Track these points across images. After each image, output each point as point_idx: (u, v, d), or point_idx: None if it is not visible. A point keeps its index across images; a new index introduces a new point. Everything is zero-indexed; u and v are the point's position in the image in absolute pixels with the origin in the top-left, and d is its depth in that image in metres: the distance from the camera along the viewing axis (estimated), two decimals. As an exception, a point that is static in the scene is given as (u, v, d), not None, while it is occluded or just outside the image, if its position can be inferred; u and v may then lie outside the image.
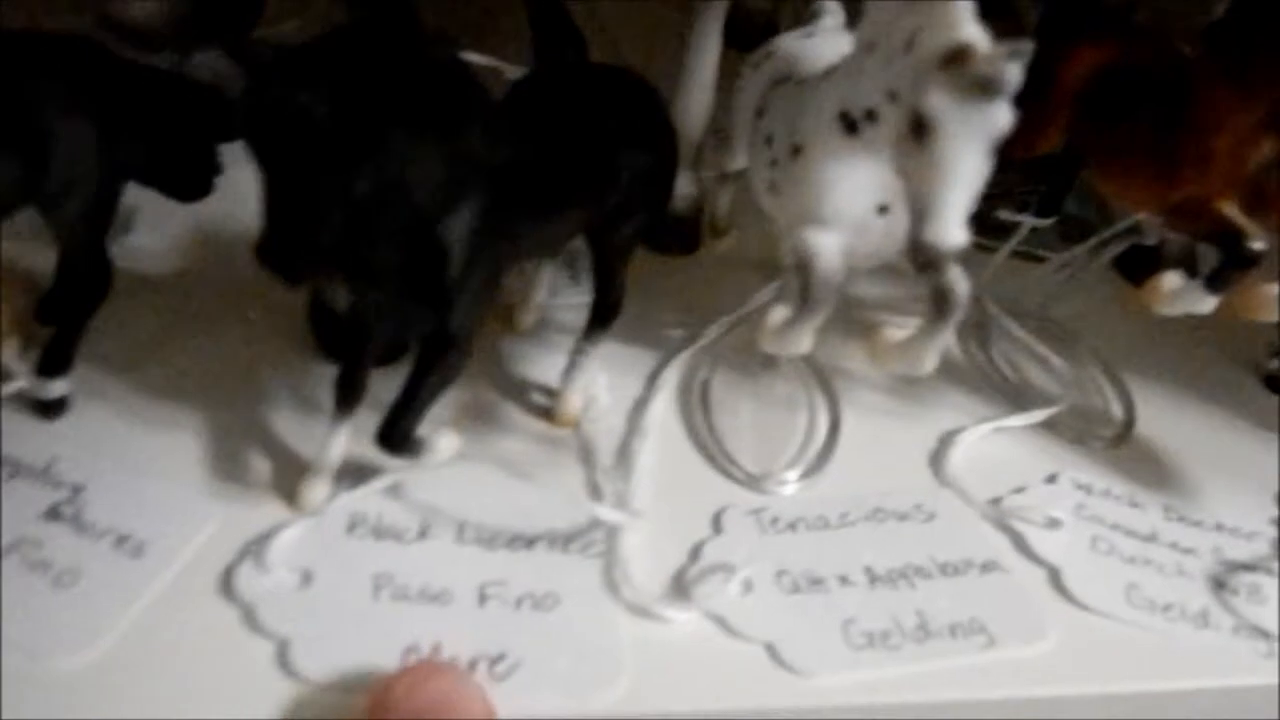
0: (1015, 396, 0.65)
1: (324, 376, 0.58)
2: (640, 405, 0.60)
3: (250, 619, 0.47)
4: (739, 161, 0.60)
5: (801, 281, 0.45)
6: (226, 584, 0.48)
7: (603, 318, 0.57)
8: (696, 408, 0.61)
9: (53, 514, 0.50)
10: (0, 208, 0.49)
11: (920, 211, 0.38)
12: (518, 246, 0.49)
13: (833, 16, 0.59)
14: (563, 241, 0.54)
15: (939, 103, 0.37)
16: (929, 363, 0.46)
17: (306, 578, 0.49)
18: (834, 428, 0.60)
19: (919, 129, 0.38)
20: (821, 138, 0.45)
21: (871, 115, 0.42)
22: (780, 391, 0.62)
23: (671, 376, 0.62)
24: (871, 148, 0.43)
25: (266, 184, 0.40)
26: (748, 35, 0.84)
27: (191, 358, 0.60)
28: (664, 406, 0.61)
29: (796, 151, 0.46)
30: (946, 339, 0.45)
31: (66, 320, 0.54)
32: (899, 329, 0.47)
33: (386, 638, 0.47)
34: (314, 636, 0.46)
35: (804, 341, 0.47)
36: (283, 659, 0.45)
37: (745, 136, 0.57)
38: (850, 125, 0.44)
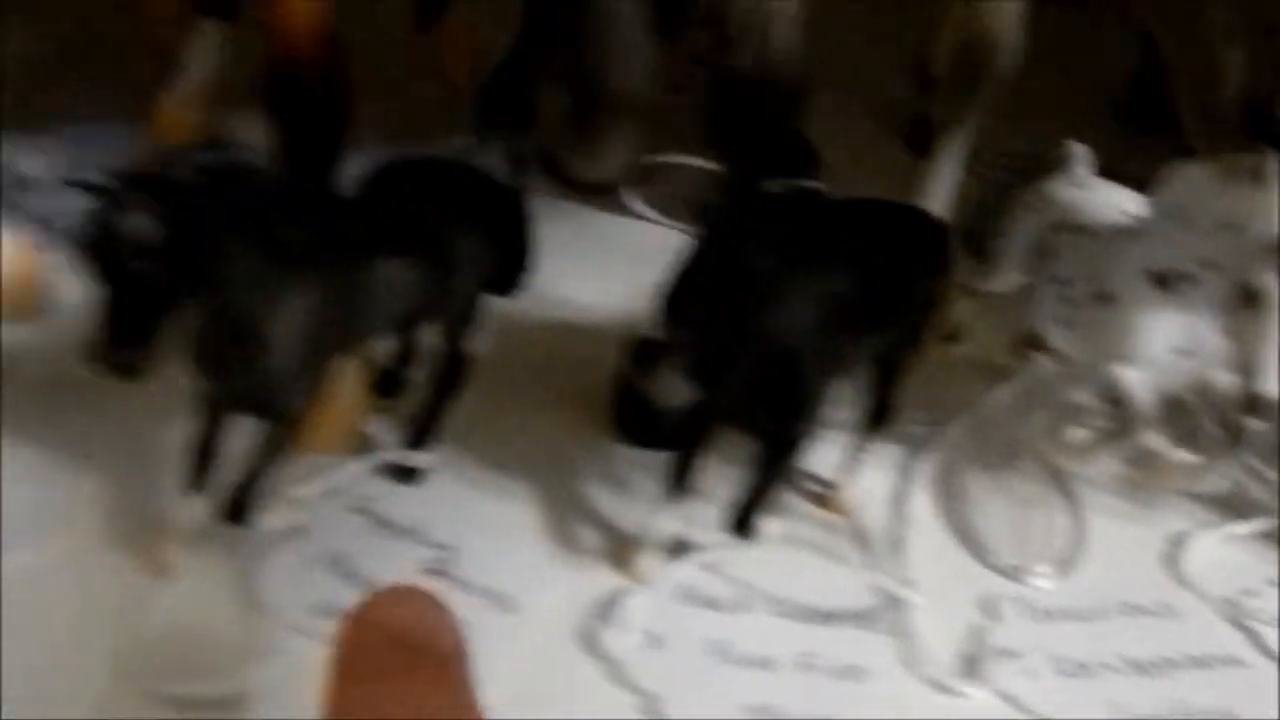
0: (1229, 503, 0.72)
1: (626, 458, 0.67)
2: (900, 496, 0.68)
3: (615, 675, 0.55)
4: (999, 285, 0.68)
5: (1116, 411, 0.52)
6: (588, 641, 0.56)
7: (881, 420, 0.65)
8: (950, 500, 0.68)
9: (432, 570, 0.58)
10: (414, 317, 0.58)
11: (1249, 367, 0.46)
12: (843, 365, 0.57)
13: (1083, 162, 0.66)
14: (864, 360, 0.62)
15: (1272, 280, 0.45)
16: (1211, 486, 0.53)
17: (653, 640, 0.57)
18: (1077, 525, 0.67)
19: (1250, 299, 0.46)
20: (1132, 291, 0.52)
21: (1186, 278, 0.50)
22: (1024, 490, 0.69)
23: (923, 470, 0.70)
24: (1183, 303, 0.51)
25: None
26: (926, 141, 0.91)
27: (512, 435, 0.68)
28: (923, 494, 0.68)
29: (1104, 299, 0.54)
30: (1233, 466, 0.52)
31: (434, 401, 0.63)
32: (1184, 454, 0.54)
33: (731, 697, 0.54)
34: (673, 693, 0.54)
35: (1105, 460, 0.54)
36: (651, 710, 0.53)
37: (1013, 266, 0.65)
38: (1161, 282, 0.51)
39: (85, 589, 0.56)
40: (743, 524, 0.57)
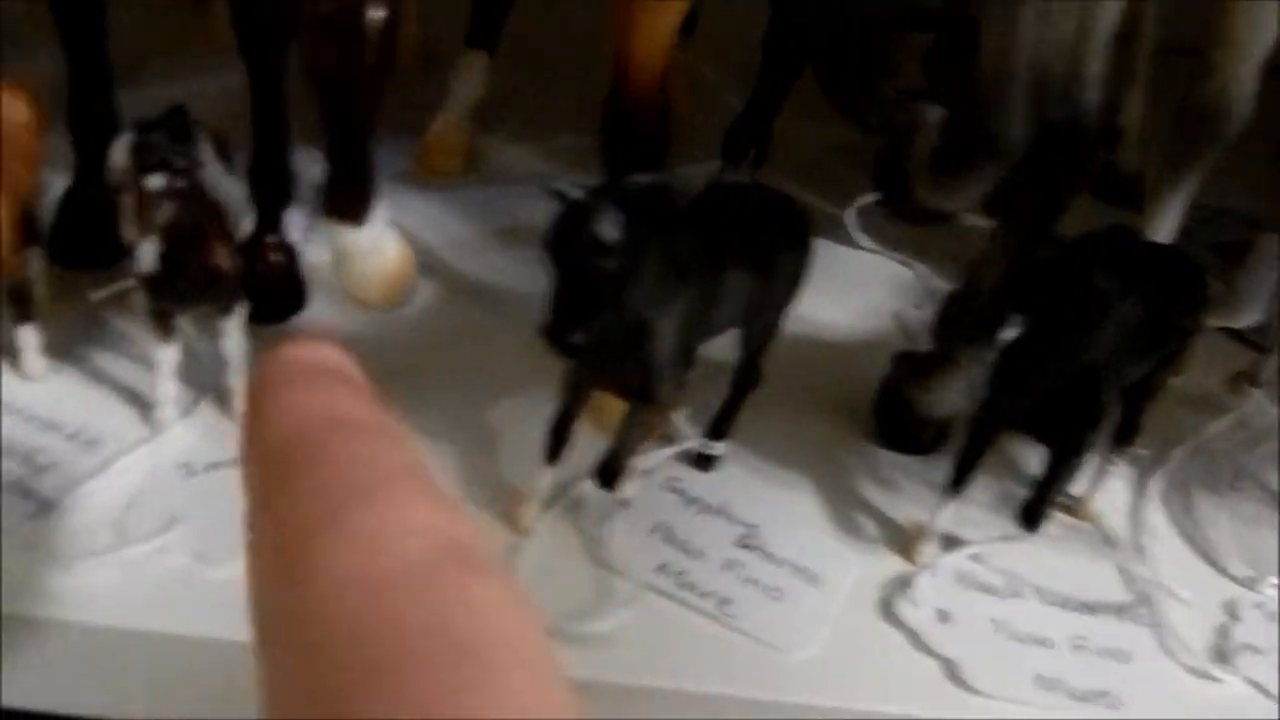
0: None
1: (886, 459, 0.75)
2: (1137, 510, 0.75)
3: (916, 642, 0.63)
4: (1241, 321, 0.75)
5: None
6: (887, 612, 0.64)
7: (1128, 440, 0.73)
8: (1181, 516, 0.75)
9: (743, 544, 0.67)
10: (738, 323, 0.66)
11: None
12: (1122, 386, 0.65)
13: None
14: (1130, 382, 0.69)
15: None
16: None
17: (942, 615, 0.65)
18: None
19: None
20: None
21: None
22: (1249, 510, 0.76)
23: (1155, 488, 0.77)
24: None
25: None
26: (1118, 190, 0.98)
27: (786, 435, 0.77)
28: (1156, 509, 0.76)
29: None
30: None
31: (731, 400, 0.72)
32: None
33: (1022, 668, 0.62)
34: (970, 661, 0.62)
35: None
36: (952, 674, 0.61)
37: (1255, 306, 0.73)
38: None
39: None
40: (1031, 520, 0.65)
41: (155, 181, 0.55)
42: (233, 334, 0.67)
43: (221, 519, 0.62)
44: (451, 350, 0.80)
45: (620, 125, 0.70)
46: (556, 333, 0.54)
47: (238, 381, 0.69)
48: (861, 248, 0.99)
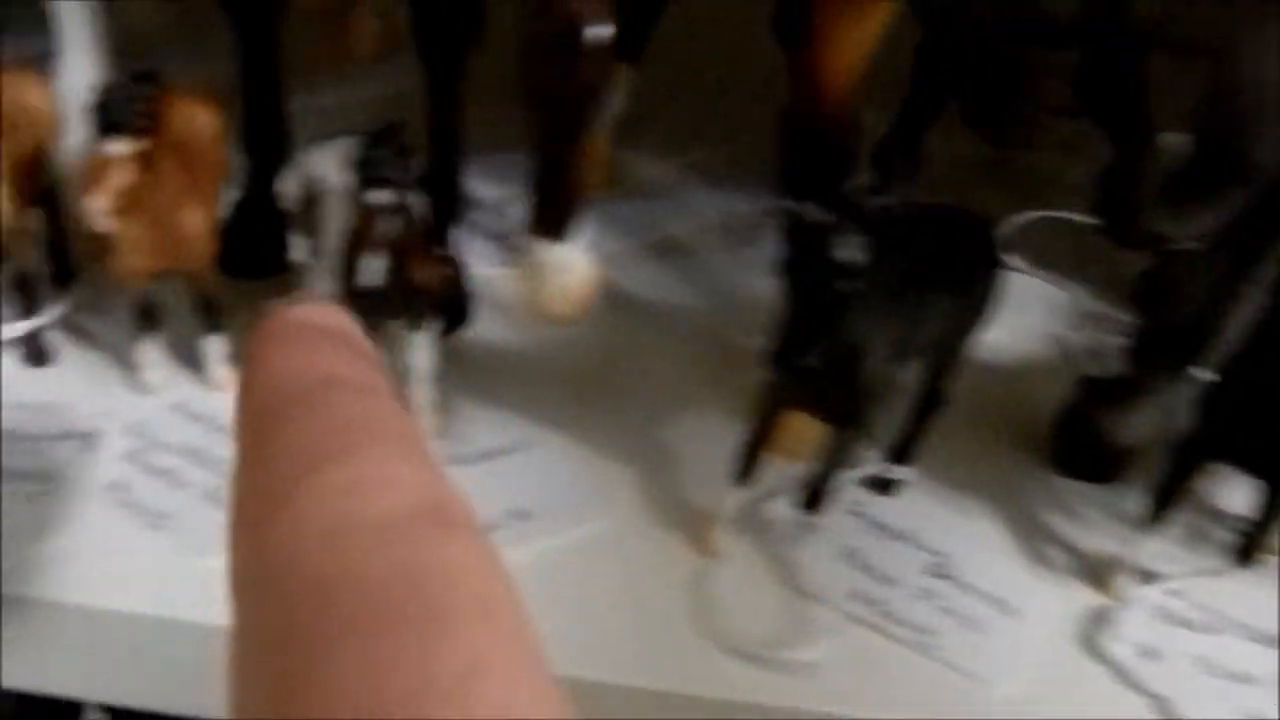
0: None
1: (1068, 488, 0.73)
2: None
3: (1123, 677, 0.61)
4: None
5: None
6: (1089, 646, 0.63)
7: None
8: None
9: (935, 572, 0.66)
10: (932, 346, 0.65)
11: None
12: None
13: None
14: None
15: None
16: None
17: (1147, 651, 0.63)
18: None
19: None
20: None
21: None
22: None
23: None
24: None
25: None
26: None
27: (967, 461, 0.75)
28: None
29: None
30: None
31: (915, 425, 0.70)
32: None
33: (1230, 705, 0.60)
34: (1180, 697, 0.60)
35: None
36: (1163, 711, 0.59)
37: None
38: None
39: (629, 565, 0.65)
40: (1245, 555, 0.63)
41: (379, 197, 0.55)
42: (422, 347, 0.67)
43: None
44: (615, 365, 0.79)
45: (808, 140, 0.69)
46: (788, 356, 0.53)
47: (420, 395, 0.69)
48: (1014, 268, 0.98)
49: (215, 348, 0.71)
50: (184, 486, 0.64)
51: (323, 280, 0.76)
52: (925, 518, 0.70)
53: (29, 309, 0.70)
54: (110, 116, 0.57)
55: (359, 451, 0.31)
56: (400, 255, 0.59)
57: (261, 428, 0.33)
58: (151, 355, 0.70)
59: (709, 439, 0.74)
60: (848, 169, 0.70)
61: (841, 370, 0.57)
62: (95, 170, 0.58)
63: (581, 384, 0.77)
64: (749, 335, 0.87)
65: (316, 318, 0.37)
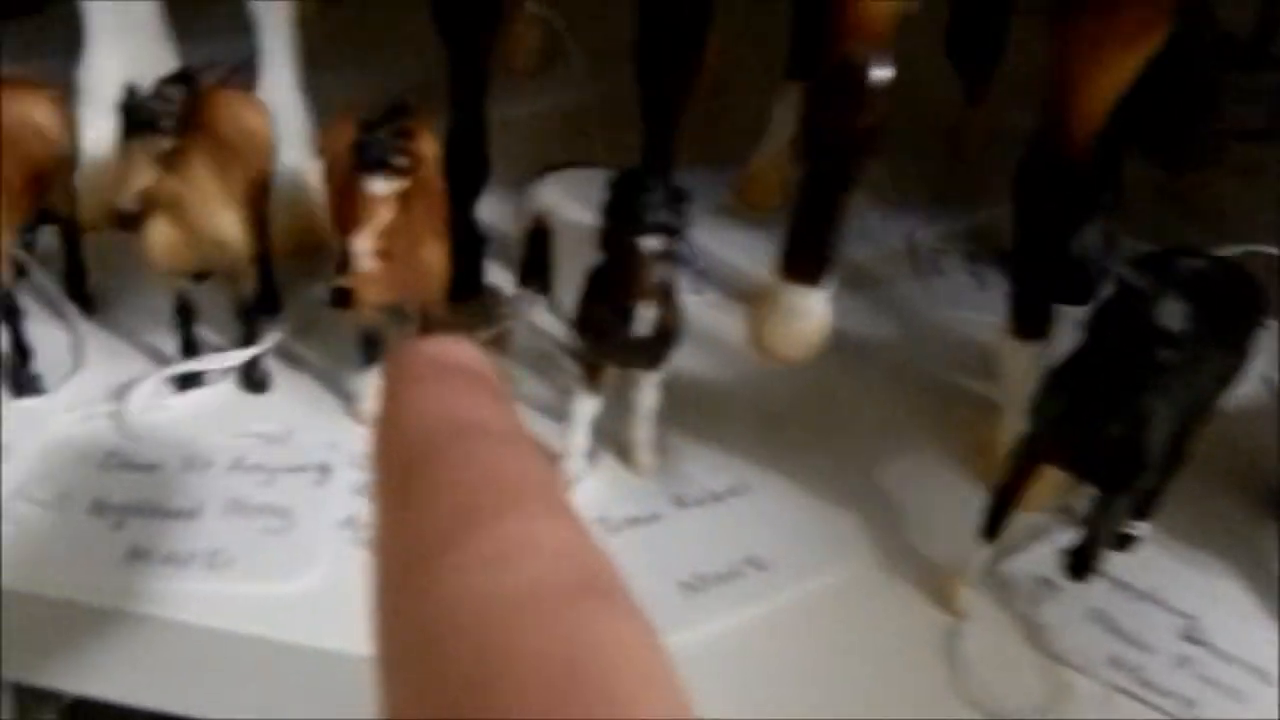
0: None
1: None
2: None
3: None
4: None
5: None
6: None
7: None
8: None
9: (1189, 637, 0.63)
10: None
11: None
12: None
13: None
14: None
15: None
16: None
17: None
18: None
19: None
20: None
21: None
22: None
23: None
24: None
25: None
26: None
27: (1190, 510, 0.72)
28: None
29: None
30: None
31: (1160, 481, 0.67)
32: None
33: None
34: None
35: None
36: None
37: None
38: None
39: (870, 621, 0.63)
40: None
41: (653, 244, 0.54)
42: (649, 388, 0.66)
43: (653, 574, 0.63)
44: (826, 403, 0.77)
45: (1050, 184, 0.66)
46: (1080, 421, 0.51)
47: (644, 434, 0.67)
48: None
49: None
50: (418, 525, 0.63)
51: (543, 313, 0.75)
52: (1166, 574, 0.67)
53: (249, 336, 0.70)
54: (373, 155, 0.56)
55: (504, 513, 0.29)
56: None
57: (397, 482, 0.32)
58: (374, 385, 0.69)
59: (932, 482, 0.71)
60: (1089, 214, 0.67)
61: (1125, 432, 0.55)
62: (361, 210, 0.57)
63: (795, 423, 0.74)
64: (951, 370, 0.85)
65: (448, 353, 0.36)
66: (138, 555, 0.59)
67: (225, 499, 0.62)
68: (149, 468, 0.64)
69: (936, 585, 0.63)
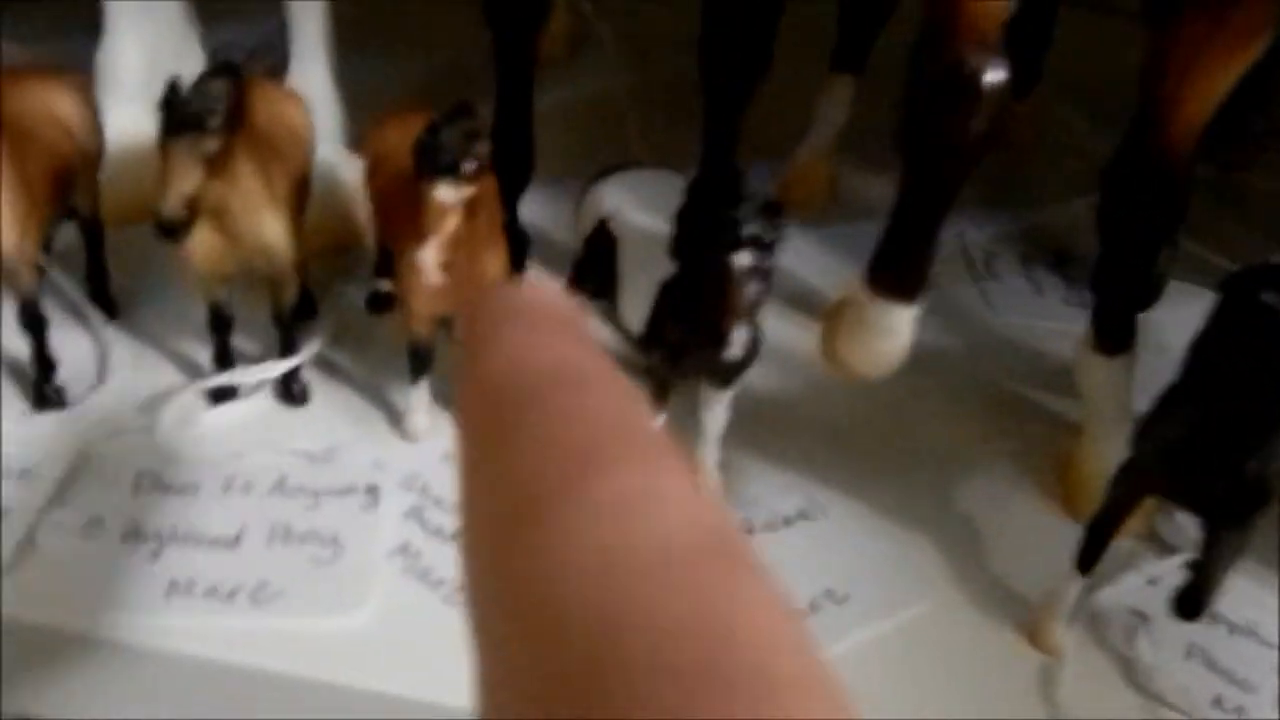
0: None
1: None
2: None
3: None
4: None
5: None
6: None
7: None
8: None
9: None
10: None
11: None
12: None
13: None
14: None
15: None
16: None
17: None
18: None
19: None
20: None
21: None
22: None
23: None
24: None
25: None
26: None
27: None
28: None
29: None
30: None
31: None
32: None
33: None
34: None
35: None
36: None
37: None
38: None
39: (957, 657, 0.59)
40: None
41: (746, 260, 0.49)
42: (719, 407, 0.62)
43: None
44: (889, 418, 0.73)
45: (1145, 191, 0.62)
46: (1219, 458, 0.47)
47: (711, 454, 0.63)
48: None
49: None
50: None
51: (611, 322, 0.71)
52: (1258, 606, 0.64)
53: (287, 345, 0.65)
54: (443, 160, 0.51)
55: (622, 462, 0.26)
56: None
57: (499, 423, 0.28)
58: (422, 400, 0.64)
59: (1009, 504, 0.68)
60: (1179, 219, 0.64)
61: (1258, 468, 0.51)
62: (427, 218, 0.52)
63: (860, 439, 0.70)
64: (1016, 381, 0.81)
65: (544, 299, 0.33)
66: (178, 589, 0.55)
67: (269, 525, 0.58)
68: (186, 489, 0.60)
69: (1026, 619, 0.60)
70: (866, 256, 0.95)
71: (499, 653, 0.25)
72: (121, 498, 0.59)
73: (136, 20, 0.76)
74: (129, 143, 0.71)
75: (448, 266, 0.54)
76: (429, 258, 0.53)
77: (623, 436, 0.27)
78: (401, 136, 0.64)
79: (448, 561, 0.59)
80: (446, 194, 0.52)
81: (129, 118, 0.73)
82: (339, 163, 0.77)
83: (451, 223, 0.53)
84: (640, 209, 0.62)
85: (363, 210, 0.79)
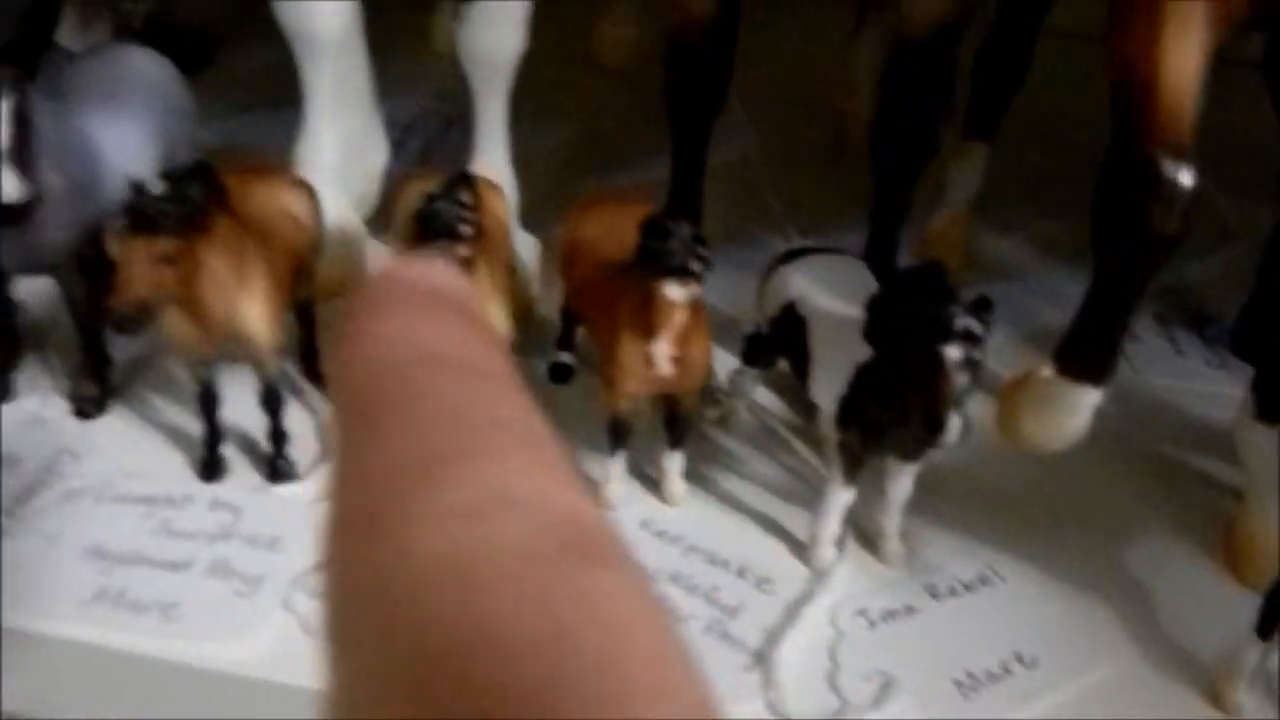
0: None
1: None
2: None
3: None
4: None
5: None
6: None
7: None
8: None
9: None
10: None
11: None
12: None
13: None
14: None
15: None
16: None
17: None
18: None
19: None
20: None
21: None
22: None
23: None
24: None
25: None
26: None
27: None
28: None
29: None
30: None
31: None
32: None
33: None
34: None
35: None
36: None
37: None
38: None
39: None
40: None
41: (957, 353, 0.53)
42: (906, 478, 0.65)
43: (925, 670, 0.61)
44: (1059, 482, 0.76)
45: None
46: None
47: (895, 523, 0.67)
48: None
49: (675, 463, 0.70)
50: (684, 621, 0.63)
51: (763, 392, 0.75)
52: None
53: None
54: (673, 262, 0.56)
55: (477, 455, 0.25)
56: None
57: (359, 414, 0.27)
58: (619, 469, 0.69)
59: (1179, 569, 0.70)
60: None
61: None
62: (659, 315, 0.57)
63: (1028, 505, 0.74)
64: (1170, 445, 0.84)
65: (428, 278, 0.31)
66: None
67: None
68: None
69: (1202, 678, 0.63)
70: (1011, 319, 0.98)
71: (344, 652, 0.25)
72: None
73: (336, 114, 0.82)
74: (329, 228, 0.77)
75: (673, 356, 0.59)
76: (661, 351, 0.58)
77: (486, 430, 0.26)
78: (601, 225, 0.70)
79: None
80: (676, 293, 0.57)
81: (330, 204, 0.79)
82: (516, 241, 0.82)
83: (679, 318, 0.57)
84: (828, 293, 0.66)
85: (536, 285, 0.84)
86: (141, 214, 0.56)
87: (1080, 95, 1.12)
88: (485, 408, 0.27)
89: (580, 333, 0.78)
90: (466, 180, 0.59)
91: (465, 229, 0.57)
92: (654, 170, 1.02)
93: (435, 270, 0.31)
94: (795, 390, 0.79)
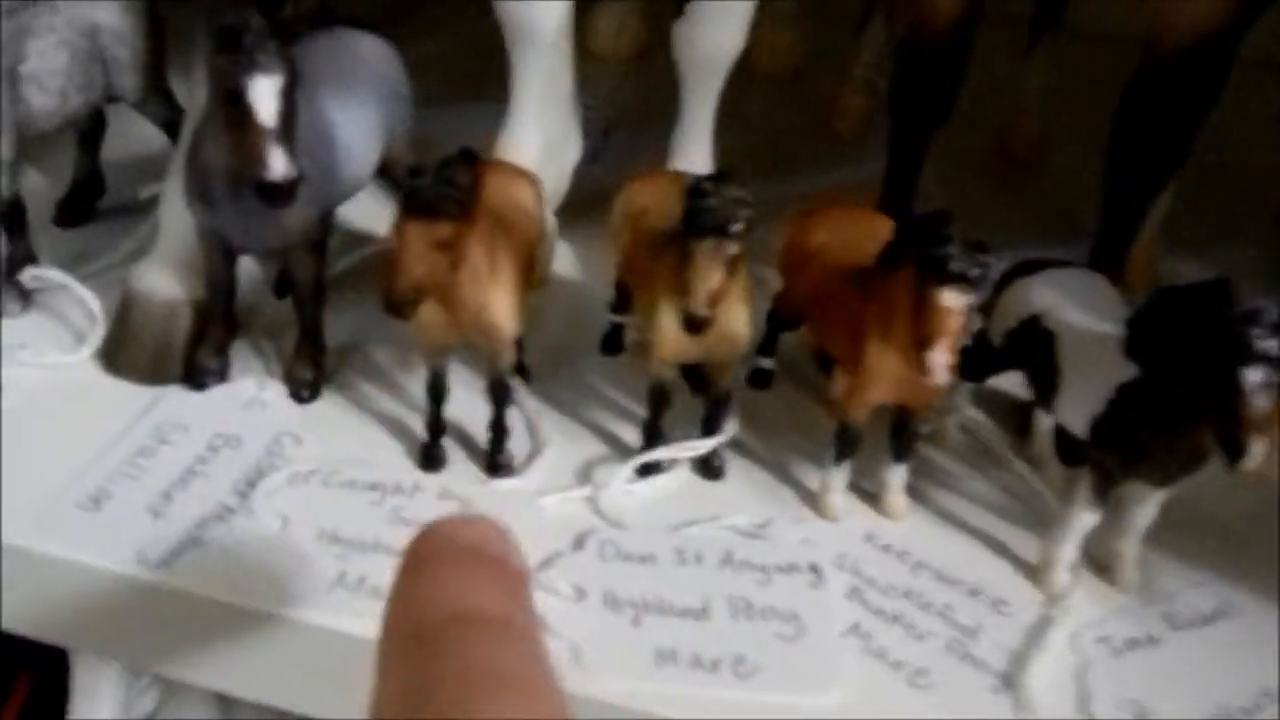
0: None
1: None
2: None
3: None
4: None
5: None
6: None
7: None
8: None
9: None
10: None
11: None
12: None
13: None
14: None
15: None
16: None
17: None
18: None
19: None
20: None
21: None
22: None
23: None
24: None
25: None
26: None
27: None
28: None
29: None
30: None
31: None
32: None
33: None
34: None
35: None
36: None
37: None
38: None
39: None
40: None
41: (1259, 375, 0.51)
42: (1152, 505, 0.63)
43: (1176, 703, 0.59)
44: (1264, 504, 0.73)
45: None
46: None
47: (1134, 549, 0.65)
48: None
49: (899, 477, 0.68)
50: (923, 638, 0.61)
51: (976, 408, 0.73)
52: None
53: (712, 426, 0.69)
54: (957, 270, 0.55)
55: (476, 708, 0.29)
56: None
57: (396, 661, 0.33)
58: (843, 480, 0.67)
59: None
60: None
61: None
62: (936, 324, 0.56)
63: (1256, 536, 0.71)
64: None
65: (469, 535, 0.36)
66: (665, 657, 0.58)
67: (728, 598, 0.61)
68: (645, 559, 0.63)
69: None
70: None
71: None
72: (591, 565, 0.62)
73: (541, 109, 0.81)
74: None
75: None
76: (941, 360, 0.56)
77: (489, 682, 0.30)
78: (830, 232, 0.68)
79: (901, 644, 0.61)
80: (956, 301, 0.55)
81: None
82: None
83: (956, 325, 0.56)
84: (1079, 307, 0.64)
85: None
86: (421, 198, 0.56)
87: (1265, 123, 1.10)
88: (497, 663, 0.31)
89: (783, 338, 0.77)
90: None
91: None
92: (812, 181, 1.02)
93: (476, 528, 0.37)
94: (1009, 407, 0.77)
